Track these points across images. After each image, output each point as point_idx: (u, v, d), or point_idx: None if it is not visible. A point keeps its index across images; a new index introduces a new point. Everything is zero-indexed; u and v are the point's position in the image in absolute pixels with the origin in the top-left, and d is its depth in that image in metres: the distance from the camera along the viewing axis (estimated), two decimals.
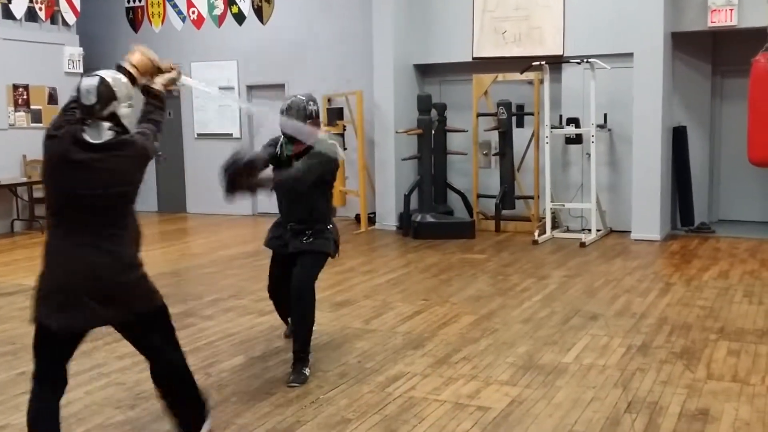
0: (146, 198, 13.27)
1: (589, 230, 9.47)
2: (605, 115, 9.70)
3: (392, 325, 5.78)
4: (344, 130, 10.75)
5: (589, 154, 9.57)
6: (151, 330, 3.35)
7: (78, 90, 3.16)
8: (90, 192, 3.06)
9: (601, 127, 9.63)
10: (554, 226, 9.83)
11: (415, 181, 10.14)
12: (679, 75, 9.82)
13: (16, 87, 11.17)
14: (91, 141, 3.09)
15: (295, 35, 11.80)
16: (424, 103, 10.01)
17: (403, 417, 3.98)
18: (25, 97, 11.31)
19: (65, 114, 3.20)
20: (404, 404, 4.17)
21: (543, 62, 9.45)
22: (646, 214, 9.28)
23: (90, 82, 3.14)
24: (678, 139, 9.87)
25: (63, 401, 4.25)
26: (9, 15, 11.10)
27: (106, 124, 3.13)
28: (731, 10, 8.94)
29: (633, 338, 5.29)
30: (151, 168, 13.14)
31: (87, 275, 3.08)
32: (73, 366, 4.87)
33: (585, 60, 9.22)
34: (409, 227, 9.76)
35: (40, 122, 11.54)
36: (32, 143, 11.29)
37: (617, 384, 4.40)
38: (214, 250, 9.53)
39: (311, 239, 4.68)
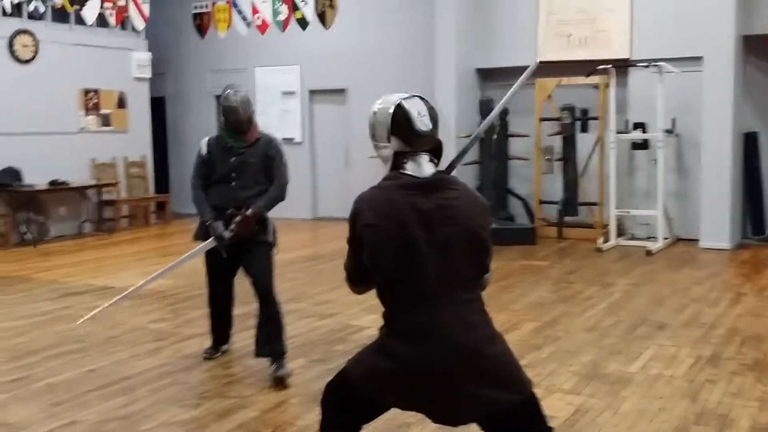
0: None
1: (656, 238, 9.24)
2: (673, 120, 9.46)
3: None
4: None
5: (655, 160, 9.35)
6: None
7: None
8: None
9: (669, 132, 9.40)
10: (619, 234, 9.63)
11: (476, 186, 10.07)
12: (751, 80, 9.52)
13: (86, 91, 11.48)
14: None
15: (358, 40, 11.85)
16: (486, 108, 9.92)
17: (466, 427, 3.93)
18: (95, 101, 11.61)
19: None
20: None
21: (609, 66, 9.27)
22: (716, 222, 9.02)
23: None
24: (749, 145, 9.58)
25: (128, 399, 4.37)
26: (80, 20, 11.42)
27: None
28: None
29: (702, 349, 5.13)
30: None
31: None
32: (140, 365, 5.00)
33: (653, 63, 9.01)
34: None
35: (109, 125, 11.86)
36: (101, 147, 11.63)
37: (685, 395, 4.27)
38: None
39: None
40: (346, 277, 2.63)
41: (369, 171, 11.12)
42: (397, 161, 2.49)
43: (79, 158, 11.30)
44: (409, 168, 2.47)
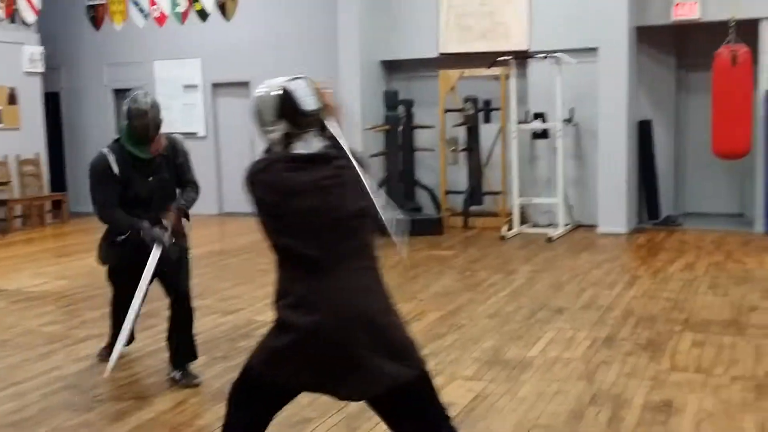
0: None
1: (557, 225, 9.47)
2: (571, 109, 9.70)
3: None
4: None
5: (555, 148, 9.59)
6: None
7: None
8: None
9: (567, 121, 9.64)
10: (523, 222, 9.82)
11: (383, 178, 10.07)
12: (644, 69, 9.86)
13: None
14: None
15: (260, 32, 11.68)
16: (391, 100, 9.94)
17: (365, 415, 3.91)
18: None
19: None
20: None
21: (509, 57, 9.43)
22: (613, 208, 9.32)
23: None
24: (643, 132, 9.92)
25: (18, 405, 4.17)
26: None
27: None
28: (694, 3, 9.00)
29: (598, 331, 5.28)
30: None
31: None
32: (31, 369, 4.78)
33: (550, 55, 9.21)
34: None
35: (0, 122, 11.32)
36: None
37: (582, 377, 4.37)
38: None
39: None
40: None
41: None
42: (287, 142, 2.52)
43: None
44: (299, 147, 2.50)
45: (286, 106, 2.50)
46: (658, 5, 9.30)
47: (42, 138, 12.01)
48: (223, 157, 12.37)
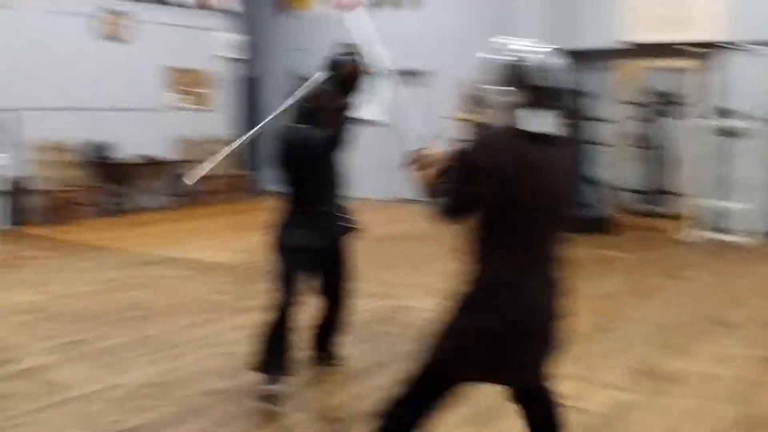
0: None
1: (749, 232, 8.76)
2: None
3: None
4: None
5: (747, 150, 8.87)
6: None
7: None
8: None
9: (762, 120, 8.86)
10: (706, 226, 9.16)
11: None
12: None
13: (177, 71, 11.81)
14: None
15: (441, 22, 11.70)
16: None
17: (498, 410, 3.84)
18: (184, 80, 11.94)
19: None
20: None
21: (698, 49, 8.80)
22: None
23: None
24: None
25: (172, 366, 4.49)
26: (178, 2, 11.73)
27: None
28: None
29: (765, 350, 4.83)
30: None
31: None
32: (193, 334, 5.12)
33: (744, 46, 8.49)
34: None
35: (198, 104, 12.19)
36: (190, 125, 12.00)
37: (733, 398, 4.02)
38: None
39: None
40: (443, 208, 2.44)
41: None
42: (515, 114, 2.36)
43: (167, 135, 11.66)
44: (532, 123, 2.35)
45: (522, 73, 2.34)
46: None
47: (237, 120, 12.79)
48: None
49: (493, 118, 2.40)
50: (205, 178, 11.65)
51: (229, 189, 12.55)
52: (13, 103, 9.54)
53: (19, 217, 9.64)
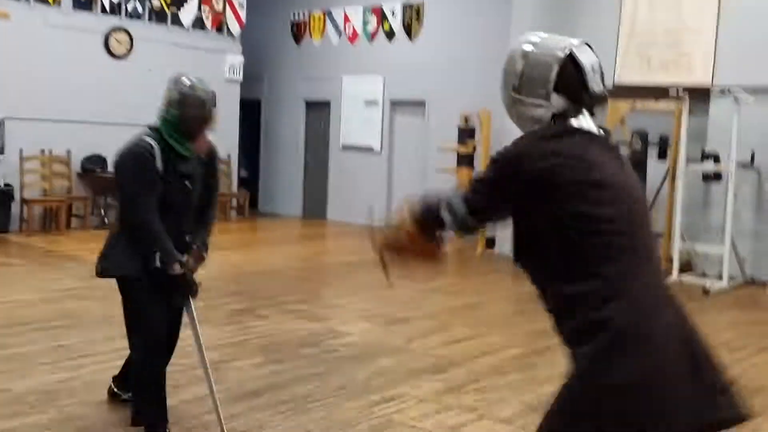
0: (291, 203, 13.81)
1: (719, 277, 8.56)
2: (752, 152, 8.74)
3: (431, 347, 5.53)
4: (474, 150, 10.58)
5: (735, 195, 8.71)
6: None
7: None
8: None
9: (745, 166, 8.70)
10: (687, 270, 8.97)
11: None
12: None
13: None
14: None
15: (440, 53, 11.75)
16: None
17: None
18: None
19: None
20: (378, 426, 3.95)
21: (681, 91, 8.69)
22: None
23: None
24: None
25: (70, 375, 4.50)
26: (178, 22, 11.97)
27: None
28: None
29: None
30: (299, 175, 13.67)
31: None
32: (105, 346, 5.10)
33: (727, 91, 8.37)
34: None
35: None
36: None
37: None
38: (317, 256, 9.69)
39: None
40: (454, 220, 1.99)
41: (445, 184, 11.01)
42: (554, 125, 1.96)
43: None
44: (575, 124, 1.96)
45: (571, 79, 1.95)
46: None
47: (235, 140, 12.94)
48: (395, 173, 12.57)
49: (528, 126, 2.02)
50: None
51: (224, 209, 12.68)
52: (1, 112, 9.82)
53: (4, 225, 9.84)
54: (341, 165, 13.15)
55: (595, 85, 1.96)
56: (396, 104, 12.45)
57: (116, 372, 4.10)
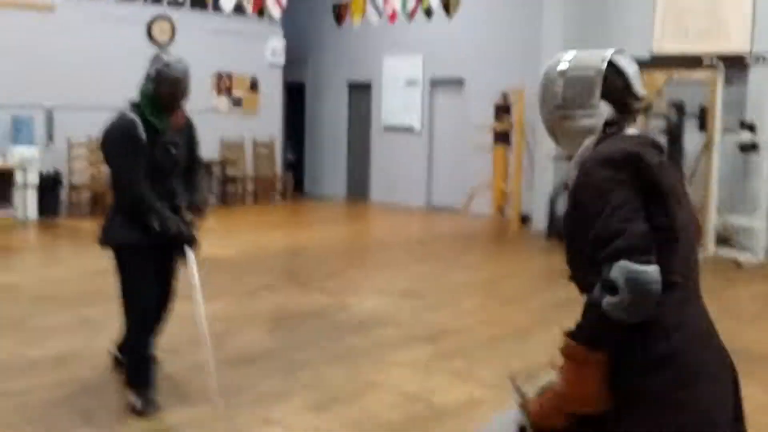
0: (336, 184, 13.99)
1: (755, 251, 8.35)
2: None
3: (435, 319, 5.61)
4: (511, 128, 10.54)
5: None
6: None
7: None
8: None
9: None
10: (725, 242, 8.77)
11: (562, 182, 9.62)
12: None
13: (219, 74, 12.32)
14: None
15: (477, 31, 11.70)
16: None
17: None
18: (228, 84, 12.43)
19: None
20: (361, 388, 4.07)
21: (715, 60, 8.47)
22: None
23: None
24: None
25: None
26: (218, 8, 12.22)
27: None
28: None
29: None
30: (343, 157, 13.84)
31: None
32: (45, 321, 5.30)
33: (762, 58, 8.12)
34: (549, 232, 9.32)
35: (240, 107, 12.64)
36: (231, 127, 12.47)
37: None
38: (350, 236, 9.84)
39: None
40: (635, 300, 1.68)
41: (485, 162, 11.03)
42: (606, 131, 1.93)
43: (208, 136, 12.11)
44: (632, 132, 1.95)
45: (615, 83, 1.94)
46: None
47: (278, 124, 13.18)
48: (435, 153, 12.60)
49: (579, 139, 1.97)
50: (238, 179, 12.25)
51: (268, 191, 12.96)
52: (46, 100, 10.25)
53: (54, 209, 10.28)
54: (383, 146, 13.24)
55: (639, 89, 1.97)
56: (435, 83, 12.45)
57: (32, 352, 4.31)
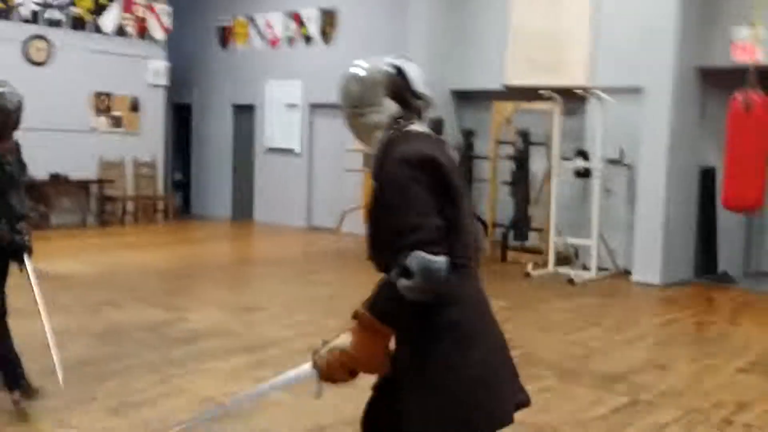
0: (221, 205, 14.26)
1: (605, 269, 9.14)
2: (621, 150, 9.27)
3: (263, 331, 6.01)
4: None
5: (608, 190, 9.31)
6: None
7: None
8: None
9: (614, 162, 9.24)
10: (566, 262, 9.49)
11: None
12: (711, 114, 9.18)
13: (99, 94, 12.47)
14: None
15: (354, 57, 12.18)
16: (435, 128, 10.02)
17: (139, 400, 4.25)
18: (106, 104, 12.60)
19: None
20: (166, 393, 4.43)
21: (552, 93, 9.21)
22: (648, 256, 8.77)
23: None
24: (706, 180, 9.24)
25: None
26: (99, 29, 12.43)
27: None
28: (753, 46, 8.29)
29: None
30: (228, 178, 14.11)
31: None
32: None
33: (588, 91, 8.91)
34: None
35: (120, 127, 12.81)
36: (109, 146, 12.61)
37: None
38: (212, 255, 10.15)
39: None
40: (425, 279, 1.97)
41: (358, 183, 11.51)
42: (393, 126, 2.22)
43: (87, 156, 12.26)
44: (417, 127, 2.23)
45: (398, 84, 2.24)
46: (721, 46, 8.66)
47: (161, 144, 13.39)
48: (315, 174, 13.05)
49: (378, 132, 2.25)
50: (120, 199, 12.38)
51: (151, 211, 13.13)
52: None
53: None
54: (266, 167, 13.62)
55: (421, 89, 2.25)
56: (315, 107, 12.92)
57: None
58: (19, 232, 4.15)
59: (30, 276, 4.22)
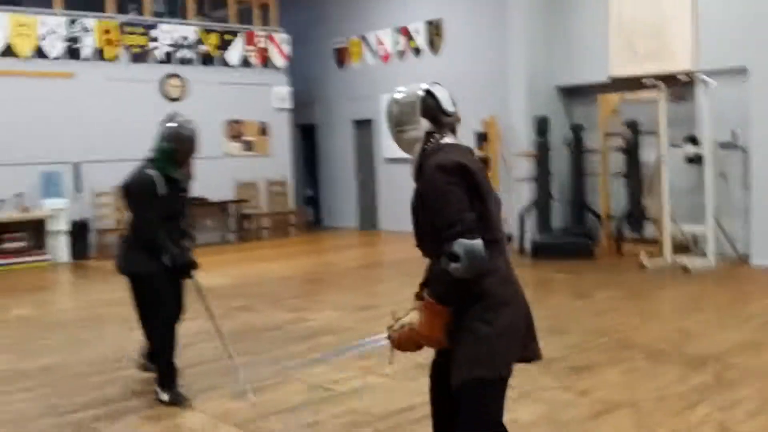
0: (349, 216, 14.98)
1: (722, 255, 9.03)
2: (733, 133, 9.12)
3: (377, 328, 6.49)
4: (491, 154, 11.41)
5: (723, 175, 9.19)
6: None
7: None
8: None
9: (726, 146, 9.11)
10: (683, 251, 9.41)
11: (531, 201, 10.40)
12: None
13: (230, 122, 13.51)
14: None
15: (461, 65, 12.61)
16: (540, 126, 10.26)
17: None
18: (238, 130, 13.63)
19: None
20: (277, 384, 5.00)
21: (654, 80, 9.20)
22: (766, 240, 8.59)
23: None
24: None
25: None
26: (226, 63, 13.48)
27: None
28: None
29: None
30: (353, 190, 14.81)
31: None
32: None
33: (689, 75, 8.84)
34: (522, 246, 10.12)
35: (251, 150, 13.80)
36: (243, 168, 13.61)
37: None
38: (339, 262, 10.78)
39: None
40: (468, 244, 2.52)
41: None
42: (429, 140, 2.74)
43: (223, 178, 13.30)
44: (448, 140, 2.74)
45: (430, 105, 2.73)
46: None
47: (289, 162, 14.29)
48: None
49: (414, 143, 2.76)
50: (255, 216, 13.32)
51: (283, 226, 14.03)
52: (73, 156, 11.59)
53: (83, 252, 11.55)
54: (387, 177, 14.21)
55: (450, 108, 2.75)
56: None
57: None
58: (187, 250, 4.77)
59: (198, 288, 4.85)
